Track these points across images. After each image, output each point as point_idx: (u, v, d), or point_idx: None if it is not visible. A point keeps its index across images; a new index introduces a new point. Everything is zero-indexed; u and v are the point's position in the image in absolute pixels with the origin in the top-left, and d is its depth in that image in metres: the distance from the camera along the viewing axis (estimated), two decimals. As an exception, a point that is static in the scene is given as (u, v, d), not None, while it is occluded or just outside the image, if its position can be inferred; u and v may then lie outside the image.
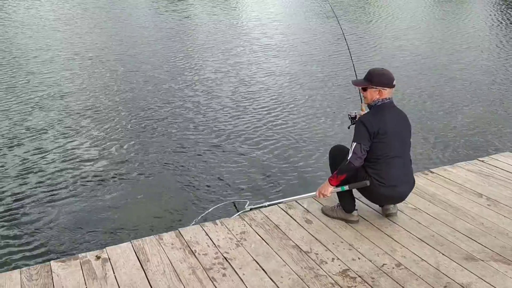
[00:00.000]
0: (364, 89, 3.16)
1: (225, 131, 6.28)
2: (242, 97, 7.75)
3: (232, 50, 11.25)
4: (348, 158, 3.05)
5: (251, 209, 3.59)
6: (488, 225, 3.30)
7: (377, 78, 3.10)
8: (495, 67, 10.68)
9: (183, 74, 9.11)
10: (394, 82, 3.11)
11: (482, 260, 2.90)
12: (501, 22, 17.39)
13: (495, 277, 2.75)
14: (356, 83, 3.27)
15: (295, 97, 7.81)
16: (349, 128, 3.51)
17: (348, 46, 4.48)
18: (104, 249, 2.97)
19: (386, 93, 3.09)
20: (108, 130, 6.22)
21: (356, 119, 3.35)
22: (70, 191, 4.67)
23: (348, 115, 3.59)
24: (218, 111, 7.06)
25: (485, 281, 2.71)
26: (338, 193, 3.31)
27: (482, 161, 4.45)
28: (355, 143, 3.05)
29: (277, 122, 6.65)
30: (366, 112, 3.31)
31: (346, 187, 3.19)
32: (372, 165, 3.10)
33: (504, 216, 3.42)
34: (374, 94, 3.11)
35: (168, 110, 7.08)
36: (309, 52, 11.43)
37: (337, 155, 3.30)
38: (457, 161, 4.76)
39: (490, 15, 19.03)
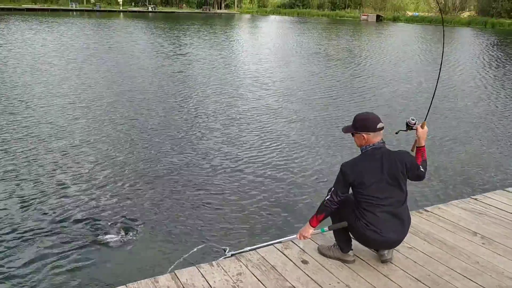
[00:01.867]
0: (353, 134, 3.22)
1: (218, 171, 6.32)
2: (236, 135, 7.84)
3: (230, 89, 11.46)
4: (325, 199, 3.13)
5: (232, 255, 3.47)
6: (483, 264, 3.31)
7: (359, 123, 3.14)
8: (487, 106, 10.92)
9: (180, 112, 9.24)
10: (379, 126, 3.09)
11: (479, 300, 2.90)
12: (498, 60, 17.84)
13: (492, 317, 2.74)
14: (344, 129, 3.28)
15: (290, 136, 7.91)
16: (396, 133, 3.56)
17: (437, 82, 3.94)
18: (99, 293, 2.94)
19: (371, 137, 3.09)
20: (97, 158, 6.24)
21: (412, 129, 3.34)
22: (60, 234, 4.63)
23: (407, 121, 3.38)
24: (212, 149, 7.13)
25: (483, 321, 2.70)
26: (334, 233, 3.34)
27: (476, 199, 4.50)
28: (333, 188, 3.12)
29: (271, 161, 6.70)
30: (356, 156, 3.21)
31: (325, 229, 3.26)
32: (359, 207, 3.12)
33: (499, 255, 3.44)
34: (360, 139, 3.14)
35: (159, 150, 7.14)
36: (306, 92, 11.66)
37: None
38: (451, 200, 4.80)
39: (483, 52, 19.57)
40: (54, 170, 6.20)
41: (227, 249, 3.64)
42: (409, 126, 3.37)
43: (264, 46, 22.95)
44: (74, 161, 6.56)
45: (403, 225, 3.14)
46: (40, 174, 6.02)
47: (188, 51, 19.13)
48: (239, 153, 7.04)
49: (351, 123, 3.22)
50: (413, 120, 3.36)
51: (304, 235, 3.28)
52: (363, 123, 3.12)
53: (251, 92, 11.63)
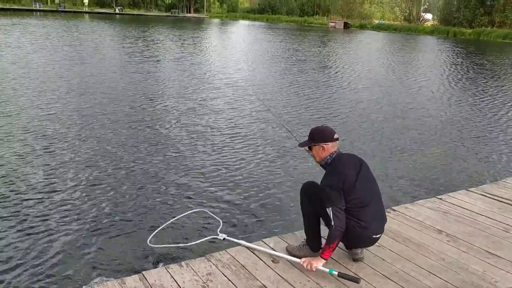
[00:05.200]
0: (310, 149, 3.30)
1: (192, 170, 6.25)
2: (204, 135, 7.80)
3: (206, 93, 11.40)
4: (333, 224, 2.99)
5: (224, 239, 3.80)
6: (448, 261, 3.39)
7: (317, 135, 3.25)
8: (445, 109, 11.28)
9: (154, 115, 9.12)
10: (336, 136, 3.24)
11: (445, 295, 2.96)
12: (451, 72, 18.50)
13: (458, 311, 2.80)
14: (301, 145, 3.37)
15: (264, 139, 7.93)
16: None
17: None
18: (63, 295, 2.83)
19: (330, 147, 3.21)
20: (66, 167, 6.06)
21: None
22: (22, 230, 4.46)
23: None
24: (182, 149, 7.05)
25: (449, 316, 2.75)
26: (306, 231, 3.36)
27: (441, 199, 4.62)
28: (330, 208, 3.02)
29: (244, 164, 6.69)
30: (324, 175, 3.24)
31: (334, 272, 3.06)
32: (348, 208, 3.09)
33: (463, 251, 3.53)
34: (319, 151, 3.24)
35: (131, 146, 7.01)
36: (276, 98, 11.72)
37: (311, 192, 3.29)
38: (417, 199, 4.91)
39: (443, 69, 20.23)
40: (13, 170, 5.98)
41: (220, 234, 3.88)
42: None
43: (243, 52, 22.94)
44: (30, 166, 6.35)
45: (384, 218, 3.32)
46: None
47: (168, 55, 19.01)
48: (214, 153, 6.99)
49: (306, 139, 3.32)
50: None
51: (313, 265, 3.09)
52: (321, 135, 3.25)
53: (227, 97, 11.60)
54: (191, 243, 3.98)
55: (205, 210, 4.86)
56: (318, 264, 3.10)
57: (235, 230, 4.65)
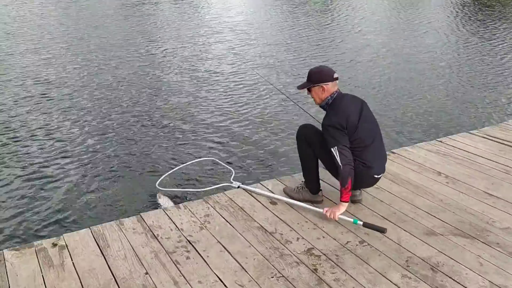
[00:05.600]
0: (310, 90, 3.16)
1: (192, 115, 6.20)
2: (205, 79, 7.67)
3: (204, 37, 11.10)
4: (340, 164, 2.93)
5: (238, 187, 3.55)
6: (447, 202, 3.38)
7: (315, 76, 3.11)
8: (453, 52, 10.99)
9: (156, 60, 8.94)
10: (335, 75, 3.11)
11: (442, 235, 2.97)
12: (460, 14, 17.93)
13: (454, 250, 2.82)
14: (299, 87, 3.23)
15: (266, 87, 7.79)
16: None
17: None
18: (61, 236, 2.85)
19: (330, 87, 3.08)
20: (67, 112, 6.01)
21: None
22: (24, 175, 4.49)
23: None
24: (184, 95, 6.96)
25: (445, 254, 2.77)
26: (304, 174, 3.33)
27: (441, 141, 4.56)
28: (335, 147, 2.94)
29: (244, 108, 6.61)
30: (325, 116, 3.15)
31: (359, 222, 2.97)
32: (352, 149, 3.05)
33: (462, 193, 3.52)
34: (319, 92, 3.11)
35: (134, 93, 6.92)
36: (279, 42, 11.42)
37: (308, 134, 3.23)
38: (417, 142, 4.85)
39: (451, 10, 19.55)
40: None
41: (234, 183, 3.64)
42: None
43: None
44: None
45: (385, 158, 3.28)
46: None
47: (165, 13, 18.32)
48: (217, 98, 6.90)
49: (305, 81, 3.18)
50: None
51: (336, 213, 3.00)
52: (320, 75, 3.11)
53: (229, 42, 11.29)
54: (205, 189, 3.87)
55: (215, 159, 4.75)
56: (341, 210, 3.01)
57: (245, 177, 4.59)
